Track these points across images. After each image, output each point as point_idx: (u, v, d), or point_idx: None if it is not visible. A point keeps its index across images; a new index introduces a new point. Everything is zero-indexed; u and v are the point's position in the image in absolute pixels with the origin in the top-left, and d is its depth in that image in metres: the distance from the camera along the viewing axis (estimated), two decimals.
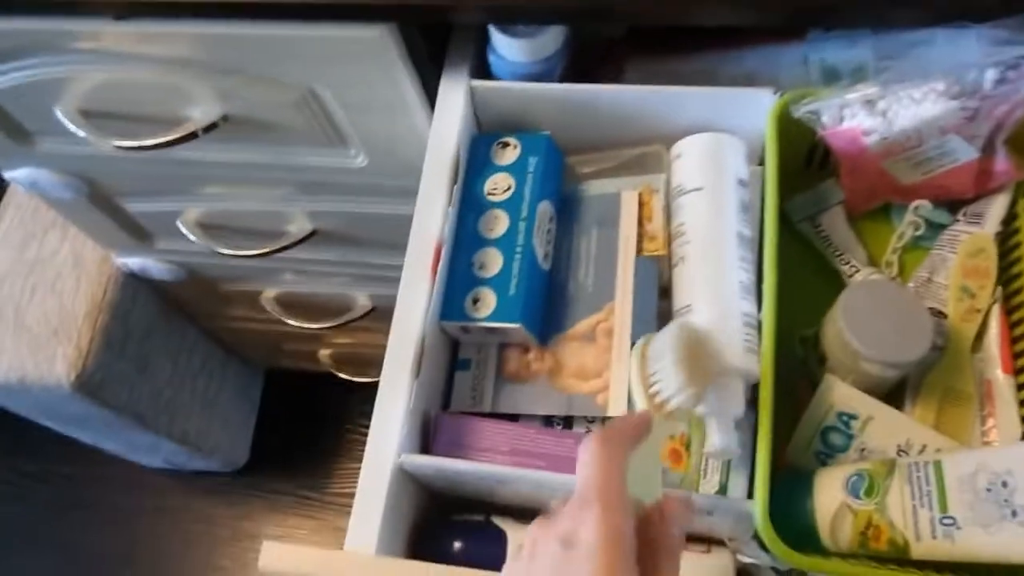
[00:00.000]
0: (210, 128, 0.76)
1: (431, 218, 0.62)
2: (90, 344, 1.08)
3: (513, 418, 0.61)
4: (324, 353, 1.37)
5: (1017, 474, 0.49)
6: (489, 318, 0.60)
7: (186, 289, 1.17)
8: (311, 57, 0.68)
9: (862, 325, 0.53)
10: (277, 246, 0.96)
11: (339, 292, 1.11)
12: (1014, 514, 0.47)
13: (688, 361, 0.51)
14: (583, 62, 0.69)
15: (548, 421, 0.61)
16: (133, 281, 1.14)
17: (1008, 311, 0.58)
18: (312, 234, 0.95)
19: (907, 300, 0.55)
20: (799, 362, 0.60)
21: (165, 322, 1.25)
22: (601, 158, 0.68)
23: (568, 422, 0.61)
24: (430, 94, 0.69)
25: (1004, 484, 0.49)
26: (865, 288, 0.55)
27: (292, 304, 1.17)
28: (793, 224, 0.65)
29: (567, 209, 0.66)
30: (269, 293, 1.16)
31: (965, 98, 0.54)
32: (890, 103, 0.56)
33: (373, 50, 0.65)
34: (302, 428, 1.58)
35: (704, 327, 0.56)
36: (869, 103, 0.56)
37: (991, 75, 0.53)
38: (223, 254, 0.98)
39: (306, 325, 1.18)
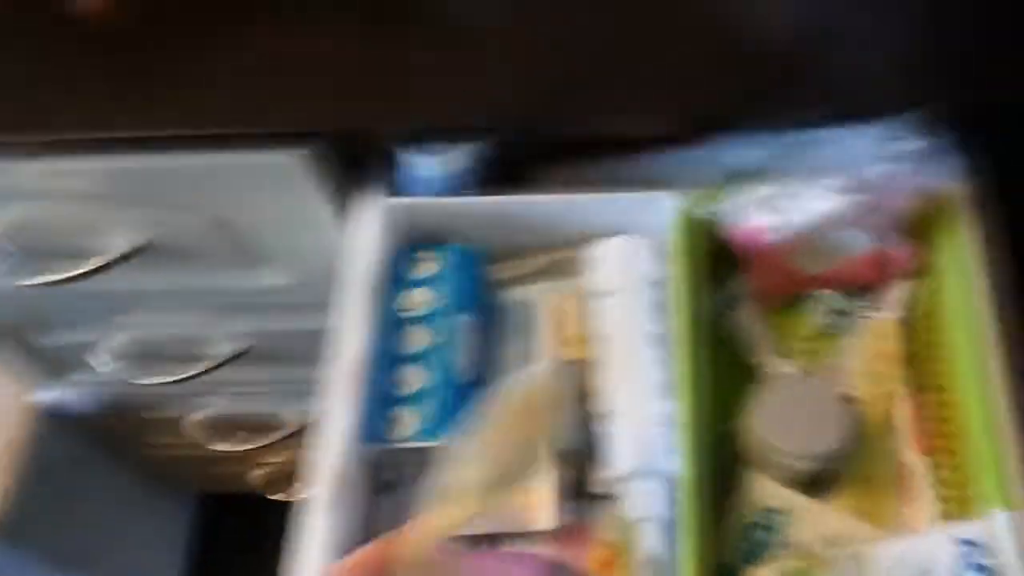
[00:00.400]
0: (123, 259, 0.75)
1: (347, 339, 0.62)
2: (3, 487, 1.03)
3: None
4: (256, 474, 1.33)
5: (936, 563, 0.49)
6: (412, 438, 0.59)
7: (106, 420, 1.13)
8: (222, 185, 0.68)
9: (777, 420, 0.54)
10: (199, 370, 0.94)
11: (268, 411, 1.09)
12: None
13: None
14: (500, 169, 0.71)
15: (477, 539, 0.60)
16: (48, 416, 1.10)
17: (916, 392, 0.60)
18: (236, 355, 0.94)
19: (820, 391, 0.56)
20: (723, 459, 0.60)
21: (85, 456, 1.20)
22: (520, 265, 0.69)
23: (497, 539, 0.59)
24: (347, 210, 0.69)
25: (927, 572, 0.50)
26: (779, 383, 0.57)
27: (219, 427, 1.14)
28: (707, 320, 0.66)
29: (489, 318, 0.67)
30: (195, 417, 1.13)
31: (858, 193, 0.57)
32: (788, 201, 0.58)
33: (284, 175, 0.66)
34: (238, 553, 1.52)
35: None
36: (769, 202, 0.59)
37: (881, 170, 0.56)
38: (142, 384, 0.96)
39: (235, 447, 1.15)
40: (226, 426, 1.13)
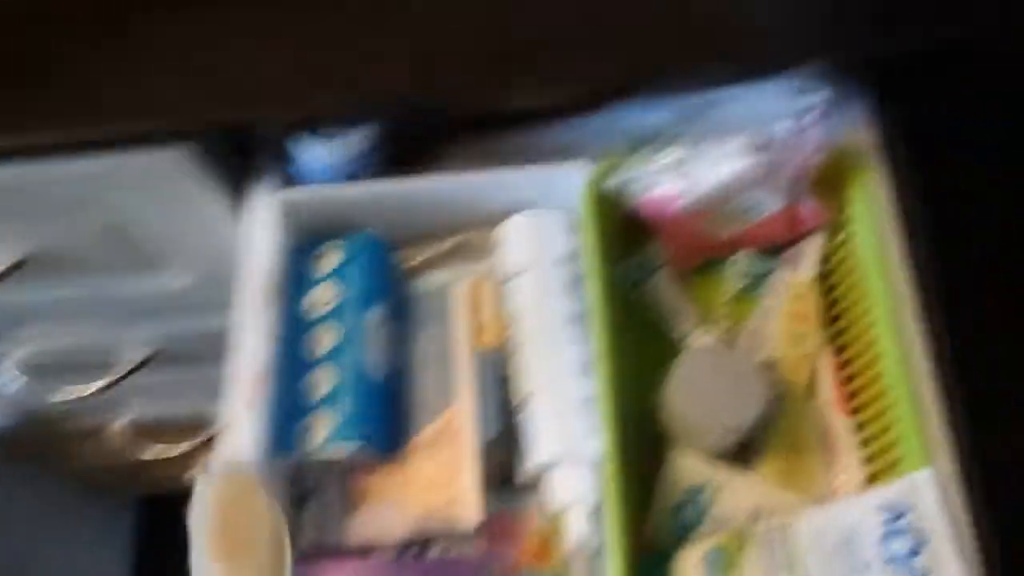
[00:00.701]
0: (13, 269, 0.70)
1: (249, 347, 0.58)
2: None
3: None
4: (192, 474, 1.29)
5: (860, 529, 0.49)
6: (325, 445, 0.57)
7: (26, 433, 1.08)
8: (105, 190, 0.64)
9: (696, 394, 0.53)
10: (111, 379, 0.90)
11: (191, 411, 1.05)
12: (867, 566, 0.47)
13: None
14: (400, 149, 0.68)
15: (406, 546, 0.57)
16: None
17: (837, 352, 0.59)
18: (150, 358, 0.89)
19: (737, 361, 0.55)
20: (646, 437, 0.59)
21: (9, 472, 1.15)
22: (429, 249, 0.66)
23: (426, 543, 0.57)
24: (241, 205, 0.66)
25: (850, 540, 0.49)
26: (694, 356, 0.55)
27: (143, 432, 1.10)
28: (623, 293, 0.65)
29: (400, 308, 0.64)
30: (116, 424, 1.09)
31: (764, 152, 0.55)
32: (695, 165, 0.56)
33: (169, 175, 0.62)
34: (183, 555, 1.48)
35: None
36: (675, 167, 0.56)
37: (786, 126, 0.54)
38: (55, 394, 0.92)
39: (164, 451, 1.11)
40: (150, 431, 1.09)
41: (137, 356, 0.88)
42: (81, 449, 1.16)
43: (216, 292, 0.78)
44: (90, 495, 1.36)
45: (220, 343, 0.87)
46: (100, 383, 0.90)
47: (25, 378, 0.89)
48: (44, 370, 0.90)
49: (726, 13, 0.55)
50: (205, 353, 0.90)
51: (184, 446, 1.09)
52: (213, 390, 1.01)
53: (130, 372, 0.89)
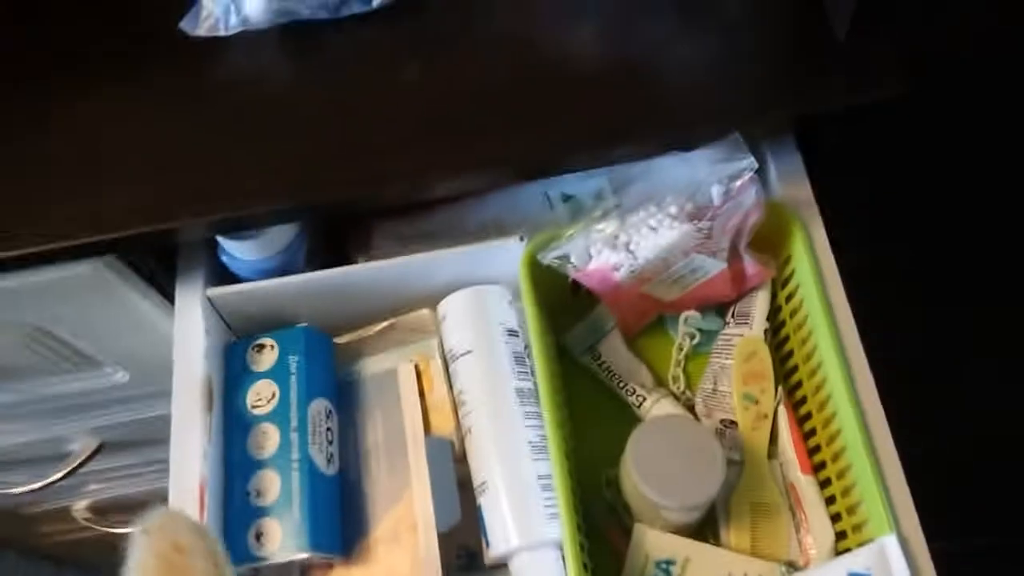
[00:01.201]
0: None
1: (189, 451, 0.56)
2: None
3: None
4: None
5: None
6: (277, 553, 0.55)
7: None
8: (27, 300, 0.61)
9: (654, 473, 0.51)
10: (65, 471, 0.87)
11: (152, 488, 1.03)
12: None
13: None
14: (332, 234, 0.66)
15: None
16: None
17: (794, 407, 0.58)
18: (99, 448, 0.87)
19: (693, 433, 0.53)
20: (608, 508, 0.57)
21: None
22: (369, 333, 0.63)
23: None
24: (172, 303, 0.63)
25: None
26: (649, 430, 0.53)
27: (107, 509, 1.07)
28: (575, 359, 0.63)
29: (346, 397, 0.62)
30: (79, 505, 1.06)
31: (699, 218, 0.53)
32: (631, 236, 0.55)
33: (92, 284, 0.59)
34: None
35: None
36: (611, 239, 0.55)
37: (717, 191, 0.53)
38: (8, 491, 0.89)
39: (128, 528, 1.08)
40: (115, 507, 1.07)
41: (85, 446, 0.86)
42: (49, 530, 1.13)
43: (158, 383, 0.76)
44: (65, 571, 1.33)
45: (167, 427, 0.85)
46: (54, 476, 0.87)
47: None
48: None
49: (647, 90, 0.54)
50: (155, 436, 0.88)
51: None
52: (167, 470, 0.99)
53: (80, 464, 0.86)
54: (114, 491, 1.02)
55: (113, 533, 1.14)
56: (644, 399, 0.60)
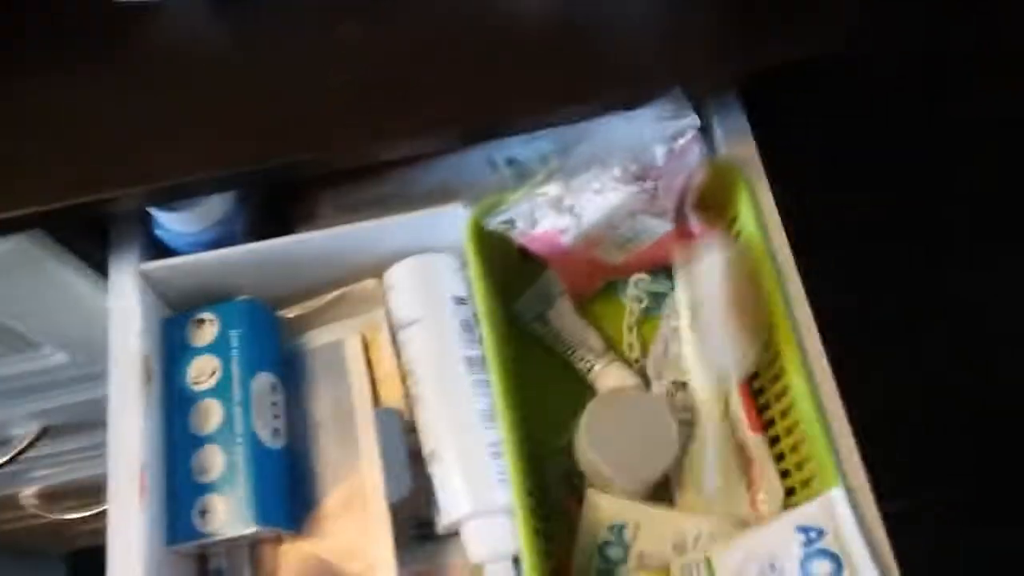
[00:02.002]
0: None
1: (129, 431, 0.55)
2: None
3: None
4: None
5: (780, 555, 0.48)
6: (223, 528, 0.53)
7: None
8: None
9: (607, 445, 0.51)
10: (7, 455, 0.85)
11: (101, 472, 1.00)
12: None
13: None
14: (273, 204, 0.64)
15: None
16: None
17: None
18: (43, 432, 0.85)
19: (647, 406, 0.53)
20: (562, 475, 0.57)
21: None
22: (315, 304, 0.62)
23: None
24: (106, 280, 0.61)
25: (772, 567, 0.48)
26: (602, 403, 0.53)
27: (58, 495, 1.05)
28: (525, 326, 0.62)
29: (292, 369, 0.61)
30: (27, 491, 1.03)
31: (642, 179, 0.53)
32: (576, 199, 0.54)
33: (20, 260, 0.57)
34: None
35: None
36: (556, 202, 0.54)
37: (661, 151, 0.53)
38: None
39: (81, 513, 1.06)
40: (66, 493, 1.04)
41: (28, 431, 0.83)
42: None
43: (97, 363, 0.74)
44: (20, 559, 1.30)
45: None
46: None
47: None
48: None
49: (589, 47, 0.53)
50: (97, 420, 0.86)
51: (97, 507, 1.04)
52: None
53: (23, 450, 0.84)
54: (62, 476, 1.00)
55: (64, 520, 1.12)
56: (592, 365, 0.59)
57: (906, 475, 0.50)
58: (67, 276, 0.60)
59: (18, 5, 0.59)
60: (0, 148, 0.54)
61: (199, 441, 0.56)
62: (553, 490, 0.58)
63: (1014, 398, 0.92)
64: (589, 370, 0.59)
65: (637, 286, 0.60)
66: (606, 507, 0.53)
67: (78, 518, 1.08)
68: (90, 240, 0.59)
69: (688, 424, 0.56)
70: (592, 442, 0.51)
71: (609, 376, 0.59)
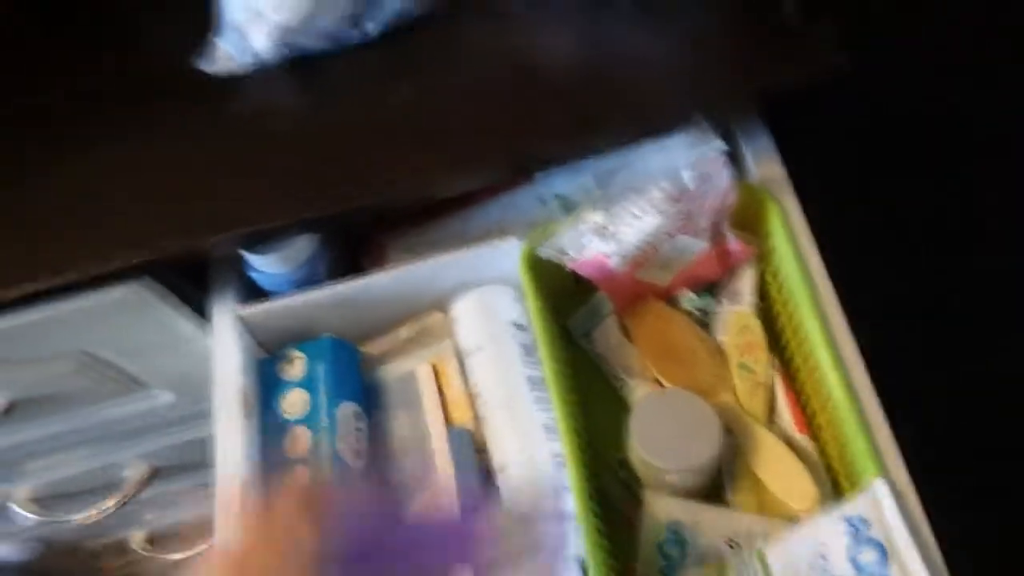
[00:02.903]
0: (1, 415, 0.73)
1: (231, 458, 0.61)
2: None
3: None
4: None
5: (829, 546, 0.51)
6: None
7: (49, 561, 1.11)
8: (74, 327, 0.67)
9: (655, 441, 0.55)
10: (120, 498, 0.92)
11: (206, 512, 1.07)
12: None
13: None
14: (349, 249, 0.71)
15: None
16: None
17: (789, 374, 0.61)
18: (153, 474, 0.92)
19: (688, 401, 0.57)
20: (622, 484, 0.61)
21: None
22: (390, 339, 0.68)
23: None
24: (208, 320, 0.69)
25: (823, 557, 0.51)
26: (647, 404, 0.57)
27: (164, 539, 1.12)
28: (578, 342, 0.67)
29: (372, 398, 0.67)
30: (137, 535, 1.11)
31: (678, 202, 0.58)
32: (617, 225, 0.59)
33: (131, 305, 0.65)
34: None
35: None
36: (600, 229, 0.59)
37: (692, 175, 0.57)
38: (67, 522, 0.94)
39: (186, 553, 1.13)
40: (173, 535, 1.12)
41: (138, 473, 0.91)
42: (107, 563, 1.19)
43: (202, 403, 0.81)
44: None
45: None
46: (108, 505, 0.92)
47: (37, 512, 0.92)
48: (53, 501, 0.93)
49: (624, 84, 0.59)
50: (203, 460, 0.93)
51: (202, 547, 1.11)
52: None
53: (136, 492, 0.91)
54: (168, 519, 1.07)
55: (171, 561, 1.19)
56: (624, 383, 0.64)
57: (945, 466, 0.53)
58: (172, 319, 0.67)
59: (120, 70, 0.67)
60: (110, 203, 0.62)
61: (290, 464, 0.62)
62: (615, 501, 0.62)
63: None
64: (621, 388, 0.64)
65: (684, 302, 0.65)
66: (663, 506, 0.57)
67: (186, 557, 1.16)
68: (192, 284, 0.67)
69: (741, 430, 0.60)
70: (641, 441, 0.55)
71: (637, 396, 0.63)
